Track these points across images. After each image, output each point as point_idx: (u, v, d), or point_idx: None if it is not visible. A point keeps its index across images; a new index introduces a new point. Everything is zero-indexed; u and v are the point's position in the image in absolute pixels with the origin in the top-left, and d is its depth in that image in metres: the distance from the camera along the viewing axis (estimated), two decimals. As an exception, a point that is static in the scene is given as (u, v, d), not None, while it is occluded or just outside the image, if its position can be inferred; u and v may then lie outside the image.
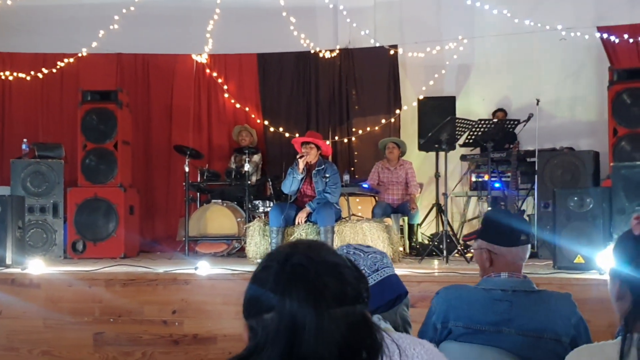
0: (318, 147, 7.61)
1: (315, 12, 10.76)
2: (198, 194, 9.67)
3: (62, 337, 6.25)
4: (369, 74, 10.54)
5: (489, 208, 8.30)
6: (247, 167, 8.98)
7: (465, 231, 9.37)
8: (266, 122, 10.55)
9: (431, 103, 9.70)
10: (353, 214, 8.92)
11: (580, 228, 6.50)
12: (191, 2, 10.54)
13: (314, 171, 7.54)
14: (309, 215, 7.49)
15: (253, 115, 10.61)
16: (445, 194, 8.03)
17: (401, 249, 8.35)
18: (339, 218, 7.63)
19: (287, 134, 10.30)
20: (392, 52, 10.35)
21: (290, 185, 7.54)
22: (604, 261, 5.86)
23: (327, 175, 7.48)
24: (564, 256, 6.49)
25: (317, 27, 10.75)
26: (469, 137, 8.26)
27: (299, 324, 1.41)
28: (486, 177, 8.93)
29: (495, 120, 8.88)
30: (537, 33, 9.62)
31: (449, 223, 8.01)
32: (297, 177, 7.47)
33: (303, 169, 7.45)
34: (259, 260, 1.59)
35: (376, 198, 9.29)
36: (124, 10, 10.09)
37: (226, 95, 10.68)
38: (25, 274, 6.52)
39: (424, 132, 9.04)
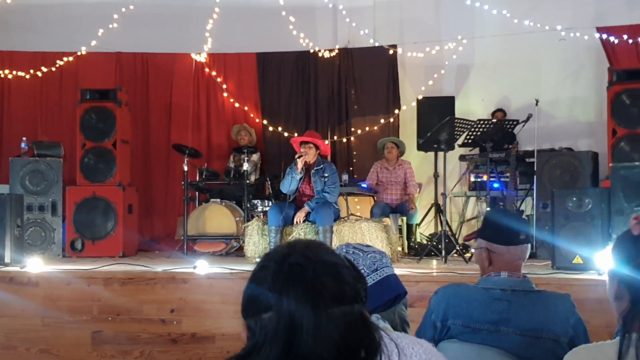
0: (317, 147, 7.60)
1: (314, 11, 10.76)
2: (197, 193, 9.67)
3: (60, 336, 6.25)
4: (368, 74, 10.54)
5: (488, 208, 8.30)
6: (246, 166, 8.98)
7: (464, 231, 9.38)
8: (265, 122, 10.55)
9: (430, 103, 9.71)
10: (352, 214, 8.91)
11: (578, 228, 6.50)
12: (191, 1, 10.54)
13: (312, 171, 7.53)
14: (307, 214, 7.49)
15: (252, 115, 10.61)
16: (444, 194, 8.03)
17: (400, 248, 8.35)
18: (337, 218, 7.63)
19: (286, 134, 10.30)
20: (391, 52, 10.35)
21: (289, 184, 7.53)
22: (602, 261, 5.87)
23: (326, 175, 7.48)
24: (563, 256, 6.49)
25: (317, 27, 10.75)
26: (468, 137, 8.26)
27: (297, 324, 1.41)
28: (485, 177, 8.93)
29: (494, 120, 8.88)
30: (537, 33, 9.62)
31: (447, 223, 8.00)
32: (295, 177, 7.47)
33: (302, 168, 7.45)
34: (258, 260, 1.59)
35: (375, 198, 9.29)
36: (124, 9, 10.08)
37: (225, 94, 10.67)
38: (24, 272, 6.53)
39: (423, 132, 9.04)
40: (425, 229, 9.47)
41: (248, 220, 8.34)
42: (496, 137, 8.31)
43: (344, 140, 10.46)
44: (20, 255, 7.17)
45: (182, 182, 8.97)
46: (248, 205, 8.93)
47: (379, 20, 10.60)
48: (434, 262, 7.76)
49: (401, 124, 10.37)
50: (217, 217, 8.97)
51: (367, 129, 10.31)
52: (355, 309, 1.48)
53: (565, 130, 9.77)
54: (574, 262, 6.38)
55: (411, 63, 10.46)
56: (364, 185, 9.07)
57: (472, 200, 9.63)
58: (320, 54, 10.49)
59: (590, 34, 9.51)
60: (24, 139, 8.99)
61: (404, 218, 8.98)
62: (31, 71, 10.37)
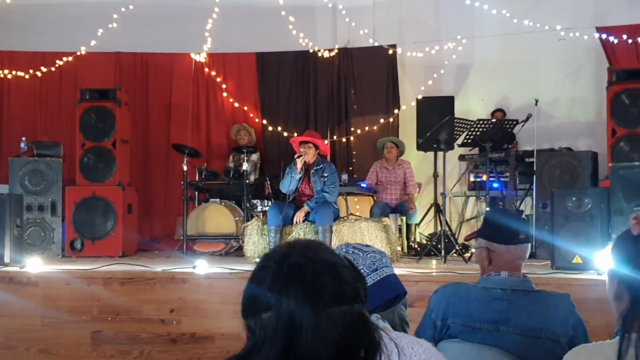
0: (316, 147, 7.60)
1: (314, 11, 10.76)
2: (196, 192, 9.67)
3: (60, 336, 6.25)
4: (367, 74, 10.54)
5: (487, 208, 8.31)
6: (245, 166, 8.97)
7: (463, 231, 9.38)
8: (265, 121, 10.55)
9: (430, 103, 9.71)
10: (351, 214, 8.91)
11: (578, 228, 6.50)
12: (190, 1, 10.54)
13: (312, 170, 7.53)
14: (307, 214, 7.49)
15: (252, 115, 10.61)
16: (443, 194, 8.03)
17: (399, 248, 8.35)
18: (337, 217, 7.63)
19: (285, 133, 10.30)
20: (391, 51, 10.35)
21: (288, 184, 7.53)
22: (602, 261, 5.87)
23: (326, 175, 7.48)
24: (562, 256, 6.49)
25: (316, 27, 10.75)
26: (467, 137, 8.26)
27: (296, 323, 1.41)
28: (484, 177, 8.93)
29: (493, 120, 8.89)
30: (536, 33, 9.62)
31: (447, 223, 8.00)
32: (295, 177, 7.47)
33: (301, 168, 7.45)
34: (257, 260, 1.59)
35: (374, 198, 9.29)
36: (123, 9, 10.07)
37: (225, 94, 10.67)
38: (24, 272, 6.53)
39: (422, 131, 9.04)
40: (424, 229, 9.47)
41: (247, 220, 8.34)
42: (496, 137, 8.31)
43: (344, 140, 10.46)
44: (20, 255, 7.17)
45: (182, 182, 8.98)
46: (247, 205, 8.93)
47: (379, 20, 10.60)
48: (434, 262, 7.76)
49: (401, 123, 10.38)
50: (216, 217, 8.97)
51: (366, 128, 10.31)
52: (355, 309, 1.48)
53: (565, 130, 9.77)
54: (573, 262, 6.38)
55: (411, 63, 10.46)
56: (364, 185, 9.06)
57: (472, 200, 9.63)
58: (319, 54, 10.49)
59: (590, 33, 9.51)
60: (24, 138, 8.99)
61: (404, 218, 8.98)
62: (31, 71, 10.37)
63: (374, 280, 2.37)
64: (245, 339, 1.49)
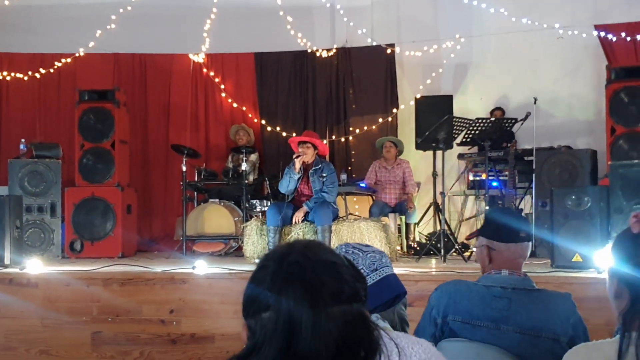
0: (315, 147, 7.60)
1: (312, 11, 10.76)
2: (195, 193, 9.67)
3: (59, 337, 6.25)
4: (366, 73, 10.54)
5: (487, 207, 8.31)
6: (244, 166, 8.97)
7: (462, 230, 9.39)
8: (263, 122, 10.55)
9: (428, 102, 9.68)
10: (350, 213, 8.91)
11: (578, 227, 6.50)
12: (188, 1, 10.54)
13: (311, 170, 7.53)
14: (306, 214, 7.48)
15: (250, 115, 10.61)
16: (442, 193, 8.03)
17: (398, 248, 8.35)
18: (336, 217, 7.62)
19: (284, 133, 10.30)
20: (389, 51, 10.35)
21: (287, 184, 7.53)
22: (601, 260, 5.86)
23: (324, 175, 7.47)
24: (562, 255, 6.50)
25: (314, 26, 10.75)
26: (466, 136, 8.26)
27: (296, 323, 1.42)
28: (484, 176, 8.93)
29: (492, 119, 8.88)
30: (535, 32, 9.62)
31: (446, 222, 8.00)
32: (294, 177, 7.47)
33: (300, 168, 7.45)
34: (257, 260, 1.59)
35: (373, 197, 9.28)
36: (121, 10, 10.07)
37: (223, 94, 10.67)
38: (23, 273, 6.53)
39: (421, 131, 9.02)
40: (424, 228, 9.46)
41: (247, 220, 8.34)
42: (495, 136, 8.31)
43: (343, 139, 10.46)
44: (20, 257, 7.17)
45: (181, 183, 8.98)
46: (247, 205, 8.93)
47: (377, 19, 10.60)
48: (433, 261, 7.76)
49: (399, 123, 10.38)
50: (215, 217, 8.97)
51: (365, 128, 10.32)
52: (355, 308, 1.48)
53: (564, 129, 9.77)
54: (573, 260, 6.38)
55: (409, 62, 10.46)
56: (363, 185, 9.06)
57: (471, 199, 9.64)
58: (318, 54, 10.48)
59: (589, 32, 9.51)
60: (23, 140, 8.99)
61: (403, 217, 8.98)
62: (29, 73, 10.37)
63: (373, 280, 2.37)
64: (246, 339, 1.49)
